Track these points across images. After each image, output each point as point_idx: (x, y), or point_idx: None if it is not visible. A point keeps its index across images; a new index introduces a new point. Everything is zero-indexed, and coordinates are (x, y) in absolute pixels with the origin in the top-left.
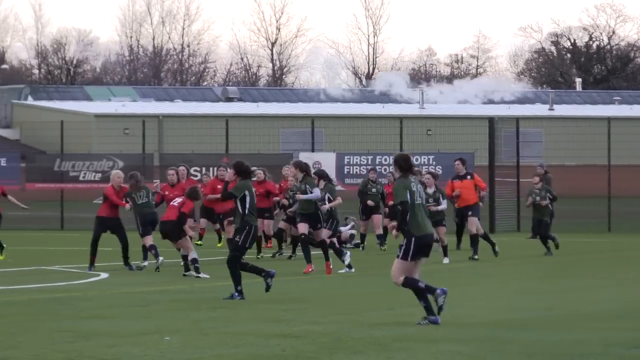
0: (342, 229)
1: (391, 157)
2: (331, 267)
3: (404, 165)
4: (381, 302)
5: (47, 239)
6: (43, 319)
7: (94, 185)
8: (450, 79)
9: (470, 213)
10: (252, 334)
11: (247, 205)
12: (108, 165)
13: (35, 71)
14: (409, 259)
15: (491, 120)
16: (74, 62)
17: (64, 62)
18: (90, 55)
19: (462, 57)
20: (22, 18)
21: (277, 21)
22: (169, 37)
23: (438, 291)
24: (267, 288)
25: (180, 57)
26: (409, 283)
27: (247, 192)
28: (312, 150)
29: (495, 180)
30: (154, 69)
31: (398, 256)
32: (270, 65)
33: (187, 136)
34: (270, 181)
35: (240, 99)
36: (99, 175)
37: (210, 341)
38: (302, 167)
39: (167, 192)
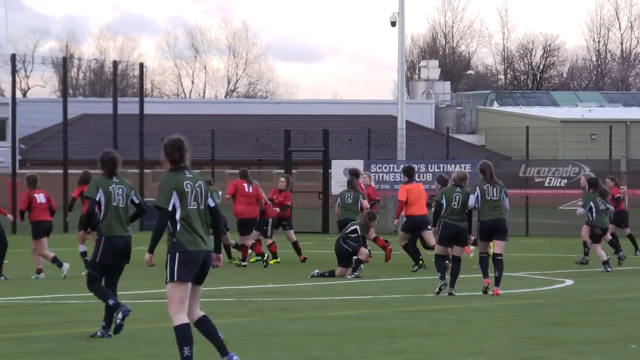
0: None
1: None
2: None
3: None
4: None
5: (512, 245)
6: (507, 325)
7: (559, 192)
8: None
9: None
10: None
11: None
12: (574, 171)
13: (501, 77)
14: None
15: None
16: (541, 67)
17: (530, 67)
18: (557, 61)
19: None
20: (488, 24)
21: None
22: (637, 42)
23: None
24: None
25: None
26: None
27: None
28: None
29: None
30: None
31: None
32: None
33: None
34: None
35: None
36: (564, 181)
37: None
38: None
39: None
